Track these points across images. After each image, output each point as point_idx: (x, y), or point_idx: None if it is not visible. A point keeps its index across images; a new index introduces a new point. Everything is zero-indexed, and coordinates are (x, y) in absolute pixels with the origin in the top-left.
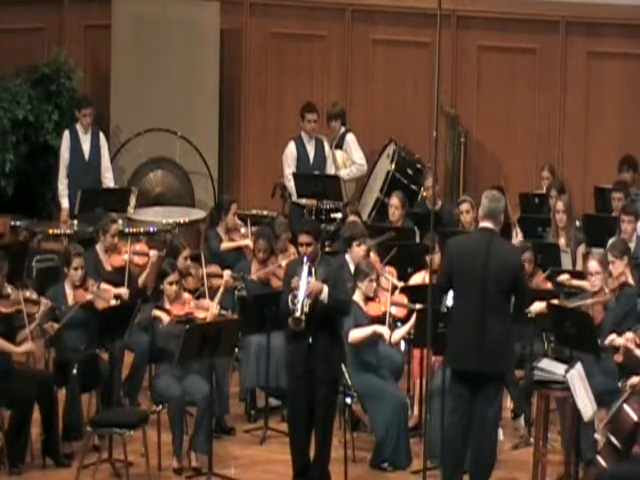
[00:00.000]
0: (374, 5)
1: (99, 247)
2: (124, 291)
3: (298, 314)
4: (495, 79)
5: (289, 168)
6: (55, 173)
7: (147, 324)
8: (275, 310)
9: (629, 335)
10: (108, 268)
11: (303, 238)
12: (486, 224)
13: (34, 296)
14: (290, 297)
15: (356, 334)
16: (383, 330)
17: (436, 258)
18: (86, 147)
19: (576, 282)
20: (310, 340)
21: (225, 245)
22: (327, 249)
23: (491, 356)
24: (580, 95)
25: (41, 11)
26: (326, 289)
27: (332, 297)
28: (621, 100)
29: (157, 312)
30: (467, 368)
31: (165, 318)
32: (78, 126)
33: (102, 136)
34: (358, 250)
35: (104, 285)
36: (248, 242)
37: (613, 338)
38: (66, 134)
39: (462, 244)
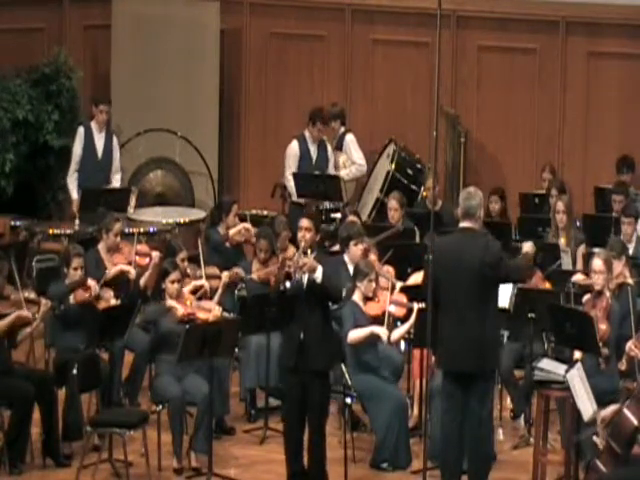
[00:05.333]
0: (374, 5)
1: (101, 246)
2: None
3: (291, 271)
4: (495, 79)
5: (290, 168)
6: (56, 173)
7: (149, 322)
8: (275, 310)
9: (630, 343)
10: (111, 269)
11: (304, 222)
12: (465, 224)
13: (34, 296)
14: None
15: (354, 335)
16: (380, 331)
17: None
18: (99, 145)
19: (589, 281)
20: (302, 336)
21: (231, 232)
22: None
23: (480, 355)
24: (580, 95)
25: (41, 11)
26: (320, 268)
27: (326, 277)
28: (621, 100)
29: (172, 303)
30: (459, 369)
31: (180, 310)
32: (93, 124)
33: (115, 138)
34: (355, 250)
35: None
36: (250, 226)
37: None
38: (80, 130)
39: (443, 246)
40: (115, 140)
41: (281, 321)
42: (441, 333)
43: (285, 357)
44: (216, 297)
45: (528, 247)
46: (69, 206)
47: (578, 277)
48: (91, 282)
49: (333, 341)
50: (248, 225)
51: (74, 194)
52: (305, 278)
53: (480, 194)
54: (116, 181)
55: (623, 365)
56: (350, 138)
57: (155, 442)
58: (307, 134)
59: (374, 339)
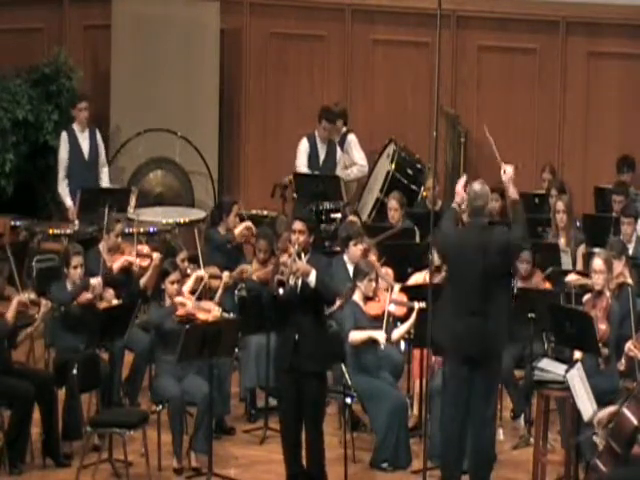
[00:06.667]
0: (374, 5)
1: (102, 246)
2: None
3: (283, 279)
4: (495, 79)
5: (302, 164)
6: (56, 173)
7: (156, 326)
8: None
9: (629, 344)
10: (114, 267)
11: (297, 225)
12: (472, 220)
13: (34, 296)
14: (277, 278)
15: (354, 336)
16: (378, 336)
17: (436, 257)
18: (85, 146)
19: (583, 280)
20: (297, 337)
21: (236, 232)
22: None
23: (484, 340)
24: (580, 95)
25: (41, 11)
26: (314, 272)
27: (319, 281)
28: (621, 100)
29: (179, 299)
30: (466, 354)
31: (188, 303)
32: (75, 125)
33: (98, 133)
34: (355, 250)
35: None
36: (251, 225)
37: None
38: (64, 136)
39: (453, 236)
40: (98, 135)
41: (276, 324)
42: (448, 322)
43: (280, 358)
44: (216, 297)
45: (508, 173)
46: (66, 212)
47: (571, 277)
48: (94, 281)
49: (329, 342)
50: (250, 224)
51: (67, 201)
52: (299, 282)
53: (486, 191)
54: (104, 175)
55: (622, 365)
56: (352, 138)
57: (155, 442)
58: (316, 132)
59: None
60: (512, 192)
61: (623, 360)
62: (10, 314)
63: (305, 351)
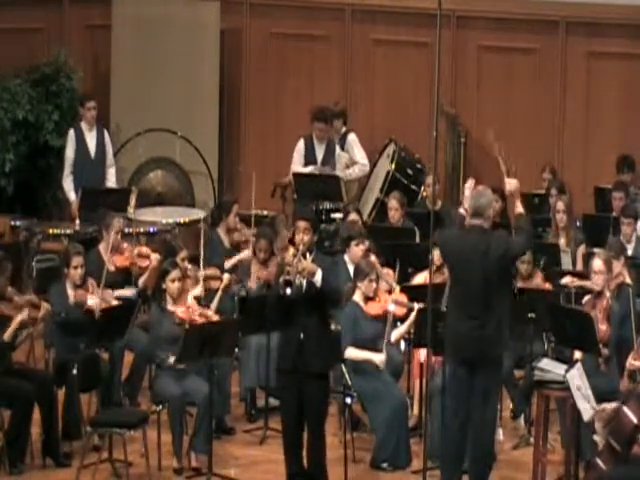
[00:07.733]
0: (374, 5)
1: (102, 247)
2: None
3: (290, 279)
4: (495, 79)
5: (295, 164)
6: (56, 173)
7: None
8: (274, 313)
9: (630, 358)
10: (111, 268)
11: (301, 224)
12: (474, 221)
13: (35, 299)
14: (283, 278)
15: (351, 353)
16: (376, 358)
17: (436, 257)
18: (92, 145)
19: (579, 282)
20: (302, 336)
21: (228, 264)
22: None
23: (486, 346)
24: (580, 95)
25: (41, 11)
26: (320, 272)
27: (325, 280)
28: (621, 100)
29: (179, 311)
30: (464, 356)
31: (180, 313)
32: (83, 124)
33: (106, 132)
34: (356, 250)
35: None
36: (248, 253)
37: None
38: (71, 133)
39: (454, 240)
40: (107, 135)
41: (280, 324)
42: (452, 326)
43: (282, 359)
44: (215, 300)
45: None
46: (69, 207)
47: (566, 280)
48: (91, 302)
49: (332, 343)
50: (247, 253)
51: (71, 196)
52: (304, 282)
53: (489, 193)
54: (111, 175)
55: (625, 384)
56: (352, 137)
57: (155, 442)
58: (313, 133)
59: (375, 336)
60: (517, 205)
61: (625, 377)
62: (7, 335)
63: (310, 351)
